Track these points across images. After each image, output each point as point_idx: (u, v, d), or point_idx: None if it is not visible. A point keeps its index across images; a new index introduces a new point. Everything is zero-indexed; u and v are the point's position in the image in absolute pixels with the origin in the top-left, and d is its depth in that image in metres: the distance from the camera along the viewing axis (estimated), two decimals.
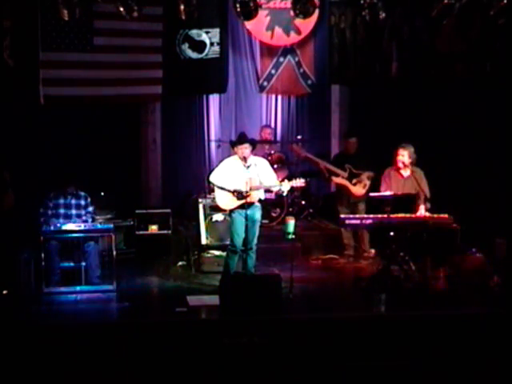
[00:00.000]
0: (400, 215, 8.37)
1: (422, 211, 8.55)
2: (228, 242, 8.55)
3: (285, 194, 8.61)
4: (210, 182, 8.64)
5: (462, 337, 6.81)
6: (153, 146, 11.34)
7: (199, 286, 8.64)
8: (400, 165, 8.85)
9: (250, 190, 8.13)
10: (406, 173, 8.91)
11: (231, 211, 8.31)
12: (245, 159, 8.25)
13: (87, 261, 8.39)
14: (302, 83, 11.23)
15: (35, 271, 8.29)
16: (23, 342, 6.60)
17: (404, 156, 8.79)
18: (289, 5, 10.20)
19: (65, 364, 6.29)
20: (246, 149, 8.23)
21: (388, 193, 8.56)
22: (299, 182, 8.36)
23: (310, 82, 11.21)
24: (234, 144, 8.46)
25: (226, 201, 8.31)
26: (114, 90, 10.40)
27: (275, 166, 10.49)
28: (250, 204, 8.17)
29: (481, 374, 6.26)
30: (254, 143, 8.45)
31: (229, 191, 8.24)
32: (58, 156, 10.19)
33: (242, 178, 8.21)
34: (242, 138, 8.42)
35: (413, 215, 8.48)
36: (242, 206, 8.18)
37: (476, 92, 10.41)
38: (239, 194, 8.16)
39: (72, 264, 8.46)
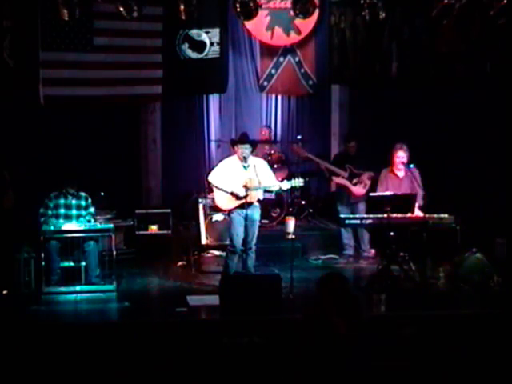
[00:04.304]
0: (400, 215, 8.38)
1: (416, 210, 8.55)
2: (228, 242, 8.56)
3: (284, 189, 8.59)
4: (209, 183, 8.65)
5: (462, 337, 6.81)
6: (153, 145, 11.35)
7: (199, 286, 8.63)
8: (400, 166, 8.88)
9: (249, 190, 8.14)
10: (401, 173, 8.94)
11: (230, 211, 8.32)
12: (244, 159, 8.26)
13: (87, 261, 8.39)
14: (303, 83, 11.24)
15: (35, 271, 8.30)
16: (23, 341, 6.59)
17: (405, 157, 8.82)
18: (289, 5, 10.20)
19: (65, 364, 6.28)
20: (246, 149, 8.24)
21: (388, 193, 8.57)
22: (298, 182, 8.36)
23: (311, 82, 11.22)
24: (234, 143, 8.47)
25: (225, 201, 8.31)
26: (114, 90, 10.40)
27: (275, 166, 10.51)
28: (249, 204, 8.18)
29: (481, 374, 6.25)
30: (254, 144, 8.47)
31: (227, 192, 8.25)
32: (58, 156, 10.19)
33: (241, 178, 8.22)
34: (243, 138, 8.44)
35: (412, 215, 8.48)
36: (241, 206, 8.19)
37: (476, 92, 10.41)
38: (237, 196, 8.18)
39: (72, 264, 8.46)
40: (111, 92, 10.39)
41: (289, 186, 8.38)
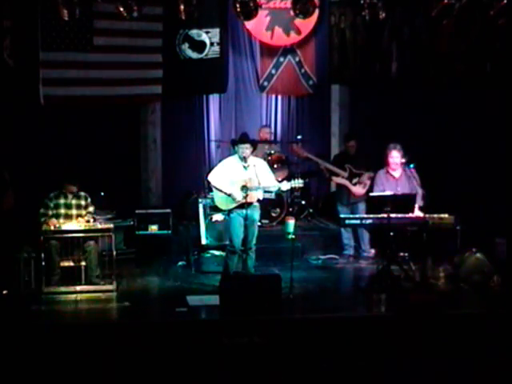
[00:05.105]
0: (400, 215, 8.38)
1: (416, 211, 8.56)
2: (227, 242, 8.56)
3: (283, 190, 8.59)
4: (208, 183, 8.65)
5: (462, 337, 6.81)
6: (153, 145, 11.35)
7: (199, 286, 8.64)
8: (394, 166, 8.90)
9: (249, 190, 8.14)
10: (397, 173, 8.95)
11: (230, 211, 8.32)
12: (244, 159, 8.26)
13: (87, 260, 8.39)
14: (303, 83, 11.24)
15: (35, 271, 8.30)
16: (23, 341, 6.59)
17: (398, 157, 8.85)
18: (289, 5, 10.20)
19: (65, 364, 6.29)
20: (246, 149, 8.25)
21: (388, 193, 8.57)
22: (298, 183, 8.36)
23: (311, 82, 11.23)
24: (235, 143, 8.46)
25: (225, 200, 8.31)
26: (114, 90, 10.41)
27: (275, 166, 10.51)
28: (249, 204, 8.18)
29: (481, 374, 6.26)
30: (254, 144, 8.47)
31: (225, 194, 8.25)
32: (58, 156, 10.19)
33: (240, 178, 8.22)
34: (243, 138, 8.44)
35: (412, 215, 8.48)
36: (240, 206, 8.19)
37: (476, 92, 10.40)
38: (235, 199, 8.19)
39: (72, 264, 8.46)
40: (111, 92, 10.39)
41: (288, 187, 8.38)
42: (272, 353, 6.51)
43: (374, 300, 7.82)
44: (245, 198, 8.10)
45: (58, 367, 6.26)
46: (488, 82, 10.39)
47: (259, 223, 8.71)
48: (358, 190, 9.79)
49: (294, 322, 7.28)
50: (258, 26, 10.80)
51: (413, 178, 8.72)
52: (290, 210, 10.67)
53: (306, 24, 10.77)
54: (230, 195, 8.22)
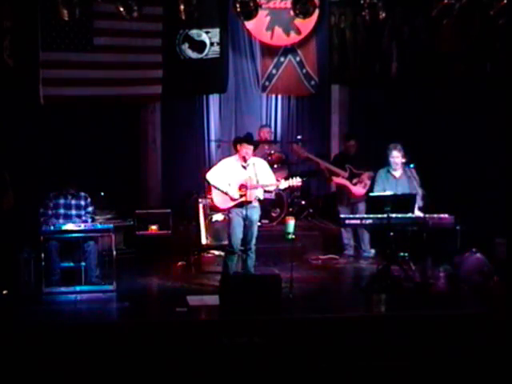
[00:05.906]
0: (400, 215, 8.37)
1: (416, 211, 8.56)
2: (227, 243, 8.55)
3: (281, 188, 8.59)
4: (207, 181, 8.63)
5: (462, 337, 6.81)
6: (153, 145, 11.35)
7: (199, 286, 8.63)
8: (395, 166, 8.91)
9: (248, 189, 8.14)
10: (397, 173, 8.95)
11: (229, 211, 8.31)
12: (244, 159, 8.26)
13: (87, 261, 8.38)
14: (304, 83, 11.24)
15: (35, 271, 8.30)
16: (23, 341, 6.59)
17: (399, 157, 8.85)
18: (289, 5, 10.21)
19: (65, 364, 6.29)
20: (250, 150, 8.25)
21: (388, 193, 8.57)
22: (296, 182, 8.36)
23: (313, 82, 11.22)
24: (240, 141, 8.38)
25: (223, 199, 8.30)
26: (114, 90, 10.41)
27: (275, 166, 10.51)
28: (248, 204, 8.17)
29: (481, 374, 6.25)
30: (256, 146, 8.50)
31: (222, 192, 8.24)
32: (58, 156, 10.19)
33: (239, 177, 8.22)
34: (250, 138, 8.42)
35: (412, 215, 8.48)
36: (239, 206, 8.18)
37: (476, 92, 10.40)
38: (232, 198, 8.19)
39: (72, 264, 8.46)
40: (111, 92, 10.40)
41: (286, 185, 8.38)
42: (272, 353, 6.51)
43: (374, 300, 7.81)
44: (242, 196, 8.09)
45: (58, 367, 6.26)
46: (488, 82, 10.39)
47: (259, 223, 8.71)
48: (358, 189, 9.80)
49: (294, 322, 7.28)
50: (258, 26, 10.80)
51: (413, 178, 8.72)
52: (290, 210, 10.68)
53: (306, 24, 10.77)
54: (226, 193, 8.22)
